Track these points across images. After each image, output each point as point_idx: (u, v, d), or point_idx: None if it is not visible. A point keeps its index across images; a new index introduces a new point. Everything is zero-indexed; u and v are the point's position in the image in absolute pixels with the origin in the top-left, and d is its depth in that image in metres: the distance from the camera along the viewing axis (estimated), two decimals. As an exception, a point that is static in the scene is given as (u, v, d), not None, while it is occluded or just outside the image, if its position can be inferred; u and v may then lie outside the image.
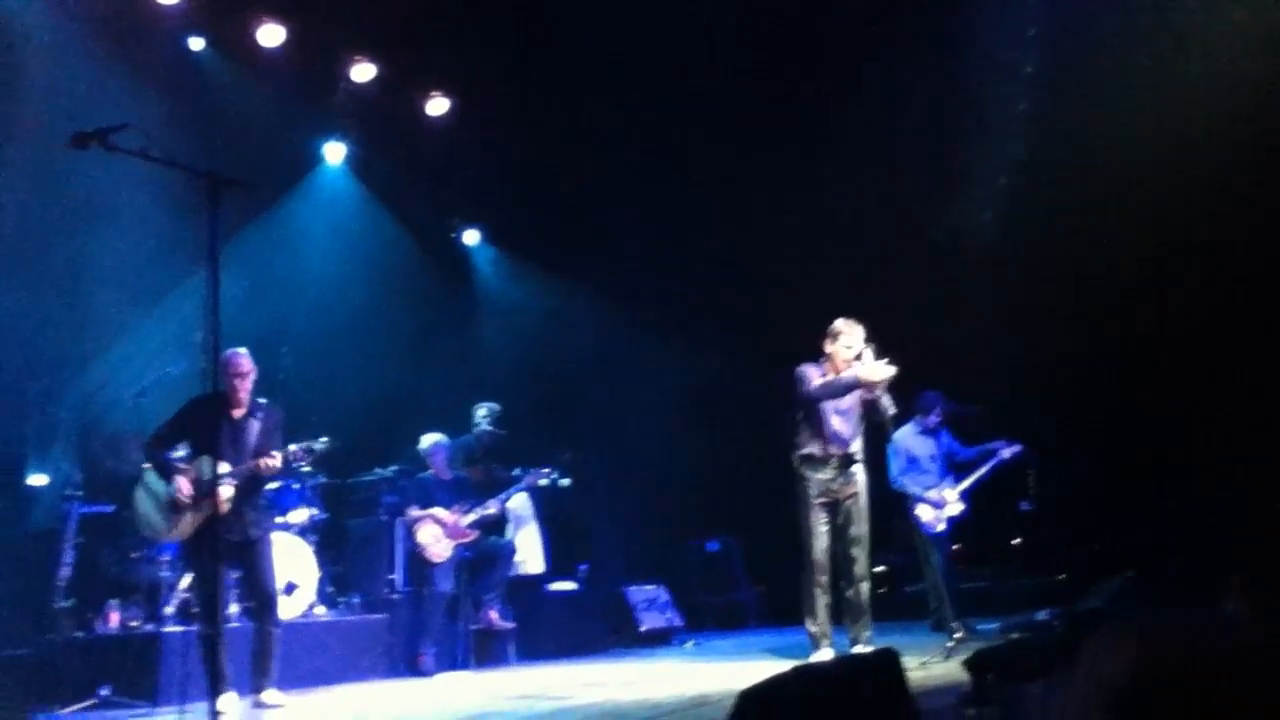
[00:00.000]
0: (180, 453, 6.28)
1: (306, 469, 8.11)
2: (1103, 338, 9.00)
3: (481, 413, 9.13)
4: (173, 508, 6.03)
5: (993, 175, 9.88)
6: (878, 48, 9.52)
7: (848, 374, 6.49)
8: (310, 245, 10.06)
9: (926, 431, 8.36)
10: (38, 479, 8.08)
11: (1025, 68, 9.63)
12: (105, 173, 7.30)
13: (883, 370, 6.39)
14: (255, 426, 6.22)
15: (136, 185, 7.56)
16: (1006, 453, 8.26)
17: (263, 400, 6.36)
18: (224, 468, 5.91)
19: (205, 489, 5.90)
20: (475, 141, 10.63)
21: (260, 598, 6.14)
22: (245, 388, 6.22)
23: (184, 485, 5.98)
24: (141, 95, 7.85)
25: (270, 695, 6.01)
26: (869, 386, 6.44)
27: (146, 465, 6.20)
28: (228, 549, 5.97)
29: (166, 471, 6.07)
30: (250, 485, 6.10)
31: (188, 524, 6.02)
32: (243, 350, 6.22)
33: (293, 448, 6.14)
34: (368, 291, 10.26)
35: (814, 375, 6.63)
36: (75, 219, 7.93)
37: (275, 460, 6.02)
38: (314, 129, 10.26)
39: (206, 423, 5.94)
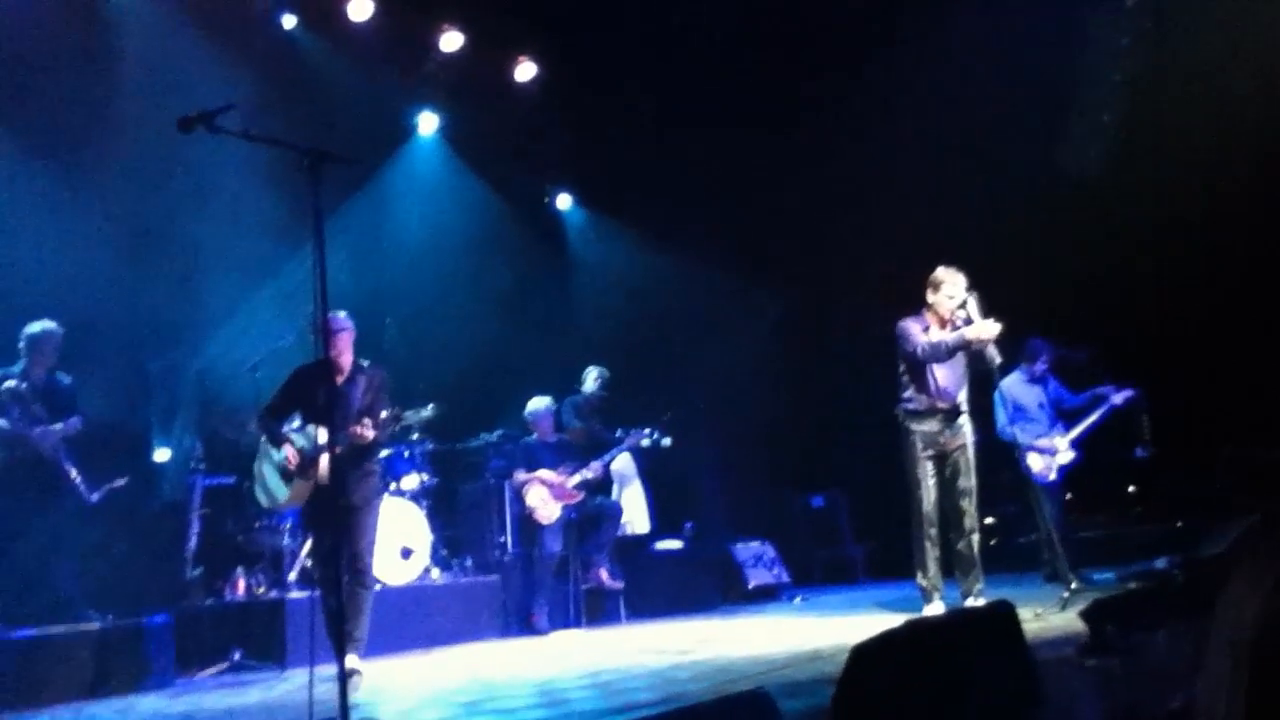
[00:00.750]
0: (296, 423, 6.44)
1: (415, 436, 8.30)
2: (1219, 275, 8.66)
3: (593, 375, 9.25)
4: (286, 476, 6.10)
5: (1097, 107, 9.54)
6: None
7: (954, 335, 6.38)
8: (408, 216, 10.24)
9: (1033, 379, 8.18)
10: (162, 454, 8.43)
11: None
12: (209, 154, 7.50)
13: (990, 329, 6.28)
14: (358, 390, 6.09)
15: (239, 164, 7.77)
16: (1119, 398, 8.04)
17: (365, 363, 6.29)
18: (324, 435, 5.83)
19: (310, 457, 5.94)
20: (564, 105, 10.65)
21: (350, 562, 5.91)
22: (339, 347, 6.04)
23: (290, 454, 6.04)
24: (238, 75, 8.03)
25: (349, 661, 5.72)
26: (979, 346, 6.33)
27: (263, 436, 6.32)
28: (339, 514, 5.85)
29: (276, 441, 6.11)
30: (354, 451, 5.96)
31: (301, 492, 6.07)
32: (340, 313, 6.10)
33: (383, 414, 5.99)
34: (465, 260, 10.40)
35: (917, 330, 6.52)
36: (183, 200, 8.17)
37: (366, 430, 5.89)
38: (406, 101, 10.40)
39: (311, 390, 5.89)
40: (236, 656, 6.66)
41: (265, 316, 8.51)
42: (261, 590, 7.25)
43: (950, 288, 6.49)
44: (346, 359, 6.12)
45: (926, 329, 6.55)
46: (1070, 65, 9.41)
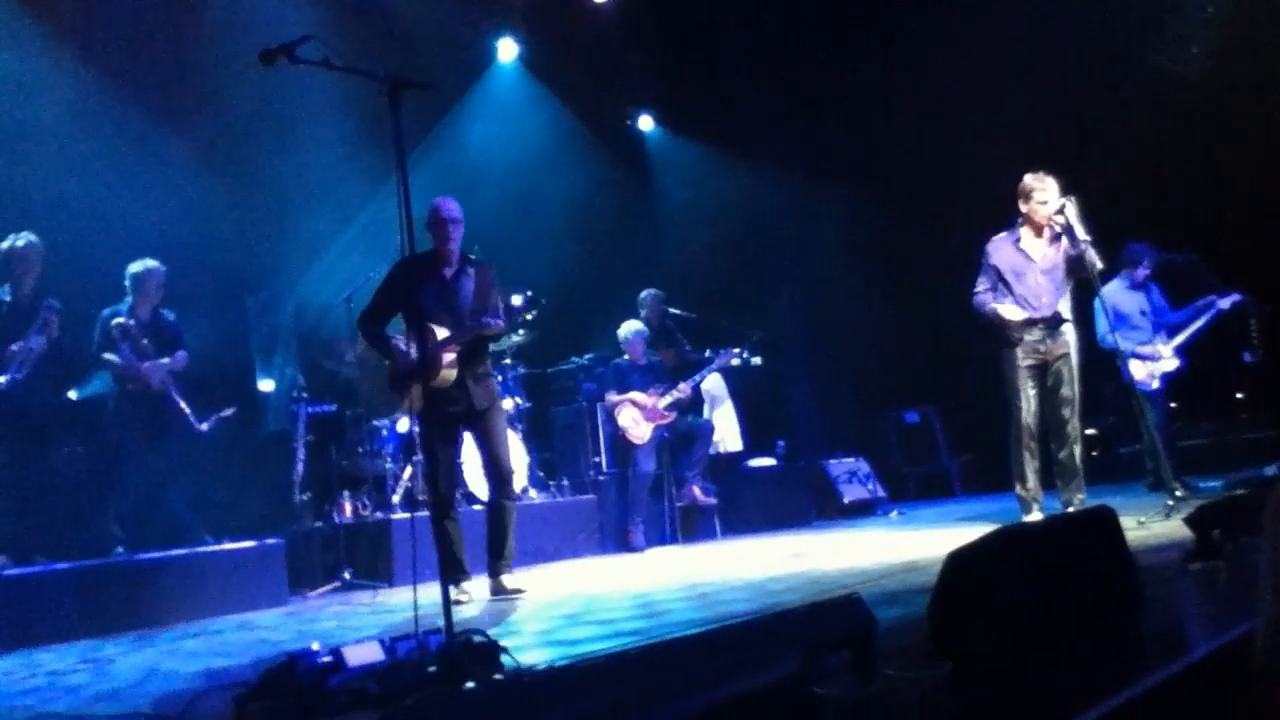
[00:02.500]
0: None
1: (507, 361, 8.42)
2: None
3: (645, 302, 9.21)
4: (397, 384, 5.68)
5: (1199, 4, 9.08)
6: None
7: (990, 310, 6.39)
8: (491, 143, 10.24)
9: (1135, 286, 7.94)
10: (265, 385, 8.69)
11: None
12: (298, 90, 7.61)
13: (1017, 313, 6.31)
14: (468, 285, 5.67)
15: (328, 99, 7.86)
16: (1225, 303, 7.76)
17: (472, 255, 5.86)
18: (442, 333, 5.47)
19: (426, 358, 5.41)
20: (642, 25, 10.48)
21: (494, 471, 5.72)
22: (457, 237, 5.65)
23: (405, 354, 5.53)
24: (319, 8, 8.07)
25: (510, 579, 5.61)
26: (1006, 324, 6.34)
27: (358, 352, 6.18)
28: (453, 422, 5.63)
29: (383, 347, 5.64)
30: (471, 352, 5.60)
31: (415, 398, 5.62)
32: (451, 200, 5.73)
33: (515, 300, 5.57)
34: (550, 185, 10.40)
35: (997, 251, 6.45)
36: (274, 137, 8.28)
37: (500, 321, 5.49)
38: (485, 28, 10.34)
39: (415, 285, 5.42)
40: (346, 575, 6.92)
41: (357, 249, 8.66)
42: (367, 513, 7.49)
43: (1040, 194, 6.33)
44: (456, 246, 5.71)
45: (1017, 241, 6.43)
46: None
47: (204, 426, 6.89)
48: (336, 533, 7.24)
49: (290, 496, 7.50)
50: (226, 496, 7.20)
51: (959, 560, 3.00)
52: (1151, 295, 7.96)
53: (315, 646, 3.20)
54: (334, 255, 8.94)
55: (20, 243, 6.51)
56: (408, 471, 7.57)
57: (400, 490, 7.54)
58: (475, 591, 5.70)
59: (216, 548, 6.47)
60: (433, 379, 5.43)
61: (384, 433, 7.57)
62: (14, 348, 6.29)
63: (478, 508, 7.57)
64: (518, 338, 8.36)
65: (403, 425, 7.58)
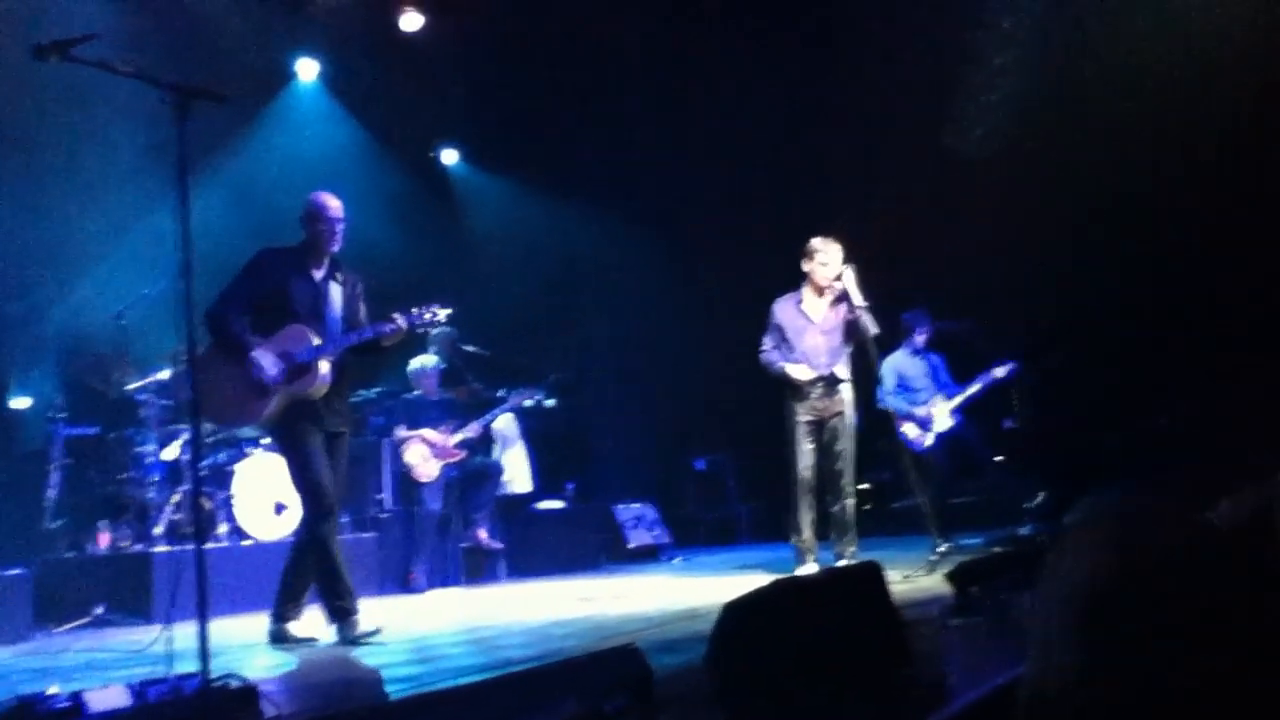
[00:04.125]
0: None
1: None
2: (1098, 252, 8.93)
3: (435, 343, 9.02)
4: (258, 390, 4.93)
5: (986, 89, 9.73)
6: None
7: (778, 368, 6.66)
8: (288, 164, 9.85)
9: (916, 352, 8.37)
10: (20, 402, 8.06)
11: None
12: (80, 87, 7.14)
13: (805, 372, 6.57)
14: (337, 291, 5.22)
15: (112, 100, 7.39)
16: (1000, 371, 8.25)
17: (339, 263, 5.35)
18: (315, 339, 4.99)
19: (298, 365, 4.95)
20: (451, 58, 10.37)
21: (334, 503, 5.29)
22: (341, 235, 5.21)
23: (267, 361, 4.91)
24: (107, 7, 7.62)
25: (299, 627, 5.22)
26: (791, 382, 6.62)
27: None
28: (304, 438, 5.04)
29: (239, 345, 4.93)
30: (342, 368, 5.15)
31: (275, 406, 4.98)
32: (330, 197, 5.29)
33: (414, 310, 5.17)
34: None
35: (782, 310, 6.73)
36: (48, 137, 7.75)
37: (400, 321, 5.08)
38: (285, 46, 9.97)
39: (283, 282, 5.04)
40: (99, 611, 6.42)
41: (132, 264, 8.16)
42: (126, 544, 7.00)
43: (824, 256, 6.64)
44: (337, 247, 5.29)
45: (799, 302, 6.72)
46: (959, 44, 9.56)
47: (-56, 444, 6.31)
48: (91, 564, 6.73)
49: (41, 523, 6.94)
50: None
51: (735, 611, 3.05)
52: (931, 361, 8.39)
53: (54, 689, 2.95)
54: (107, 268, 8.39)
55: None
56: (174, 499, 7.12)
57: (164, 521, 7.09)
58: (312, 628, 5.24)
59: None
60: (308, 389, 4.96)
61: (149, 460, 7.12)
62: None
63: (247, 544, 7.24)
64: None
65: (169, 453, 7.15)
